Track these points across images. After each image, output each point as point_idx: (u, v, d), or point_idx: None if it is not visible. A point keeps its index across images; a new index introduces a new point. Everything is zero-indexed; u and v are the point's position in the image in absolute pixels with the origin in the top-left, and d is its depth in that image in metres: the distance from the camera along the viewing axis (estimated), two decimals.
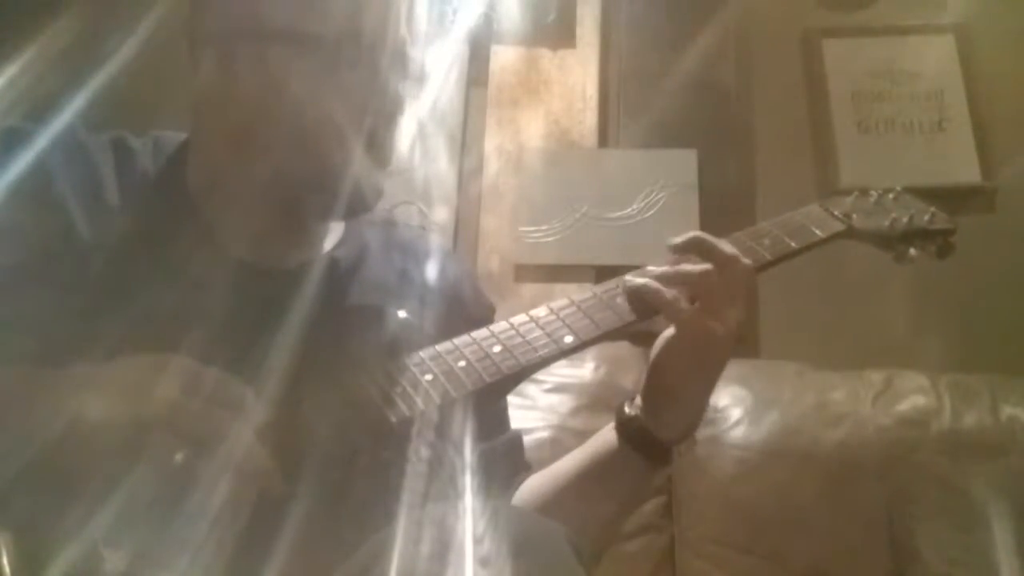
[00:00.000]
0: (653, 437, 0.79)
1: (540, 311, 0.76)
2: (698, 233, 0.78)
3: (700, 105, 1.87)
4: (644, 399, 0.80)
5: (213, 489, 0.57)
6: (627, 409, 0.81)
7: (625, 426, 0.81)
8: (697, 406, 0.81)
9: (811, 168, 1.87)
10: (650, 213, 1.81)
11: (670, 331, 0.78)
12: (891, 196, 0.95)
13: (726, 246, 0.77)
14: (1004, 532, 1.28)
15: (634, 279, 0.77)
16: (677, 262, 0.78)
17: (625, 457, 0.81)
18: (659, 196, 1.82)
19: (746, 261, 0.78)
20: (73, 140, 0.77)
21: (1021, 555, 1.26)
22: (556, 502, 0.83)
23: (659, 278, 0.76)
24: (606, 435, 0.83)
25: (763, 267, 0.83)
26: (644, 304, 0.77)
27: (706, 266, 0.76)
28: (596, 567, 0.85)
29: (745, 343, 1.75)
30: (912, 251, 0.92)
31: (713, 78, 1.89)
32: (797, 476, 1.39)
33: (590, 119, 1.90)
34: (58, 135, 0.76)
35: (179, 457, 0.57)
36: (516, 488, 0.87)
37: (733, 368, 1.57)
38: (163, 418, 0.58)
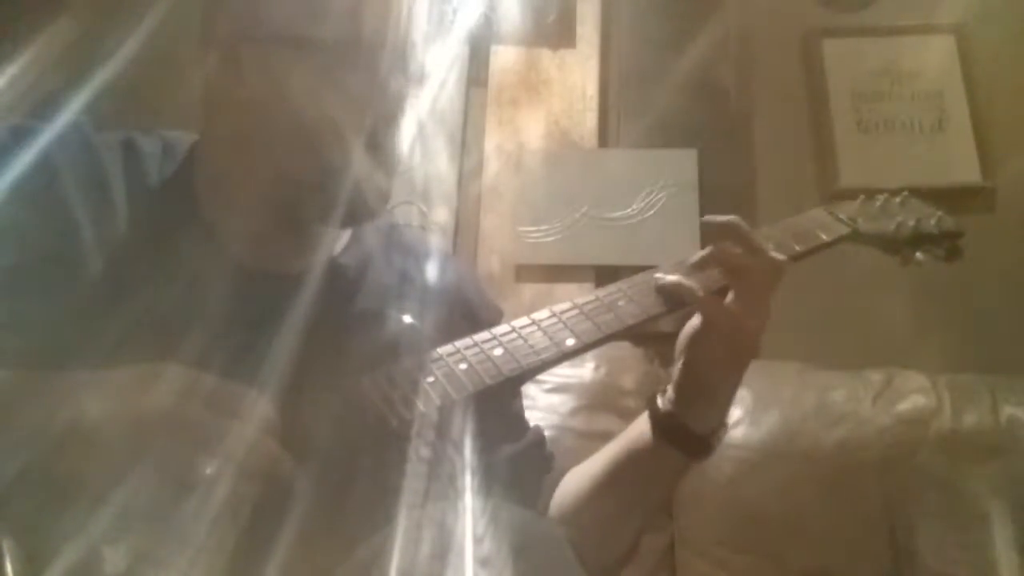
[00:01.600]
0: (691, 432, 0.80)
1: (542, 314, 0.76)
2: (734, 218, 0.78)
3: (700, 105, 1.87)
4: (678, 395, 0.80)
5: (215, 488, 0.57)
6: (660, 405, 0.81)
7: (661, 422, 0.81)
8: (730, 396, 0.82)
9: (811, 168, 1.87)
10: (650, 213, 1.81)
11: (697, 323, 0.79)
12: (897, 200, 0.95)
13: (758, 236, 0.78)
14: (1004, 532, 1.28)
15: (665, 276, 0.78)
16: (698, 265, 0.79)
17: (662, 453, 0.81)
18: (659, 196, 1.82)
19: (777, 256, 0.79)
20: (81, 139, 0.77)
21: (1021, 555, 1.26)
22: (594, 502, 0.84)
23: (697, 263, 0.78)
24: (639, 432, 0.84)
25: None
26: (675, 297, 0.77)
27: (736, 251, 0.77)
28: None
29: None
30: (918, 255, 0.92)
31: (713, 78, 1.89)
32: (797, 476, 1.39)
33: (590, 119, 1.90)
34: (66, 134, 0.76)
35: (210, 470, 0.57)
36: (551, 483, 0.88)
37: None
38: (166, 417, 0.58)
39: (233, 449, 0.58)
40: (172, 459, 0.57)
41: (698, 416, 0.80)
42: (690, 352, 0.79)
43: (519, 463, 0.87)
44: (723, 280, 0.79)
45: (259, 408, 0.61)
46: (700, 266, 0.80)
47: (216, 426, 0.58)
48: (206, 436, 0.58)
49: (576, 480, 0.88)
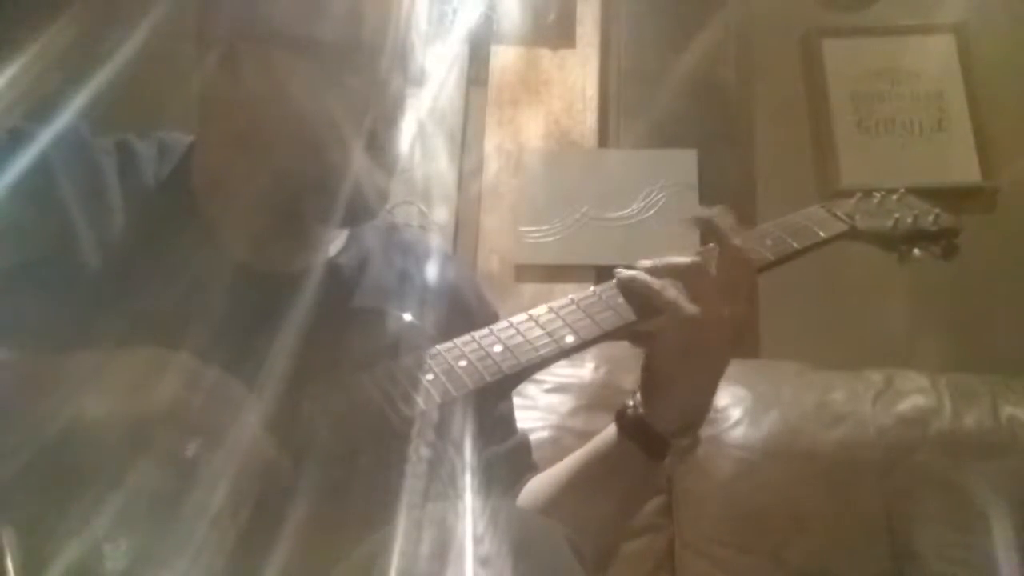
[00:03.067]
0: (650, 429, 0.79)
1: (541, 310, 0.76)
2: (718, 217, 0.78)
3: (700, 105, 1.87)
4: (641, 390, 0.81)
5: (217, 484, 0.57)
6: (629, 401, 0.82)
7: (623, 418, 0.81)
8: (694, 400, 0.80)
9: (811, 168, 1.87)
10: (650, 213, 1.81)
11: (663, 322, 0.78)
12: (894, 197, 0.95)
13: (735, 238, 0.77)
14: (1004, 532, 1.28)
15: (624, 271, 0.78)
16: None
17: (624, 450, 0.81)
18: (659, 196, 1.82)
19: (749, 256, 0.78)
20: (77, 142, 0.77)
21: (1021, 555, 1.26)
22: (556, 500, 0.83)
23: (649, 270, 0.77)
24: (608, 431, 0.84)
25: (765, 267, 0.83)
26: (636, 296, 0.77)
27: (694, 259, 0.76)
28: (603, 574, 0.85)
29: (745, 343, 1.75)
30: (916, 251, 0.92)
31: (713, 78, 1.89)
32: (797, 476, 1.39)
33: (590, 119, 1.90)
34: (62, 137, 0.76)
35: (190, 450, 0.57)
36: (520, 489, 0.88)
37: (733, 368, 1.57)
38: (166, 414, 0.58)
39: (232, 444, 0.58)
40: (168, 445, 0.57)
41: (657, 413, 0.79)
42: (651, 348, 0.79)
43: (493, 466, 0.87)
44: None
45: (259, 407, 0.61)
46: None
47: (216, 420, 0.59)
48: (204, 427, 0.58)
49: (541, 483, 0.87)
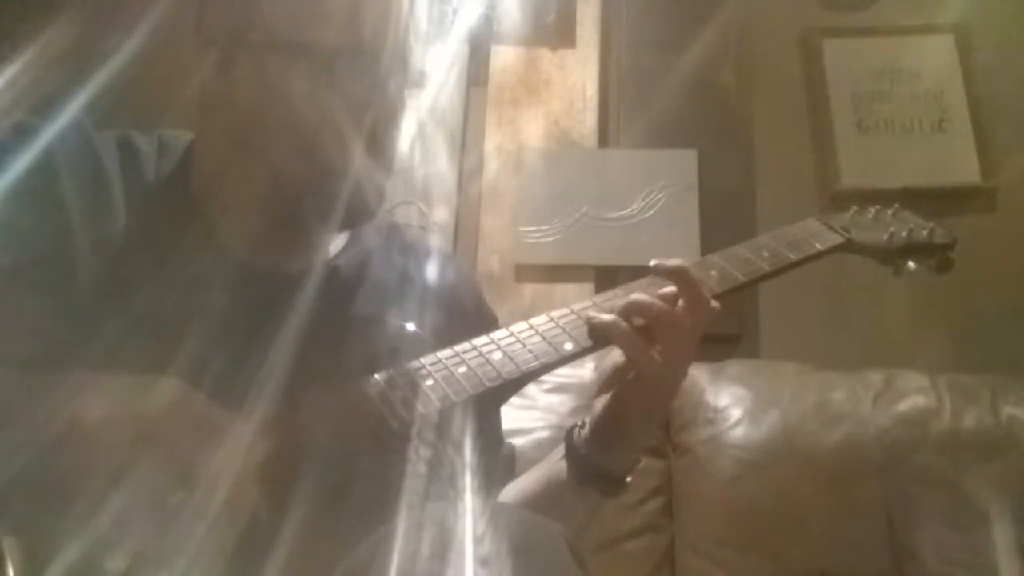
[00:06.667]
0: (608, 472, 0.79)
1: (540, 319, 0.77)
2: (683, 265, 0.76)
3: (700, 105, 1.87)
4: (596, 435, 0.80)
5: (212, 495, 0.57)
6: (575, 443, 0.81)
7: (577, 462, 0.80)
8: (645, 439, 0.83)
9: (811, 168, 1.87)
10: (650, 213, 1.81)
11: (620, 360, 0.78)
12: (889, 212, 0.97)
13: (704, 288, 0.76)
14: (1004, 532, 1.28)
15: (597, 315, 0.75)
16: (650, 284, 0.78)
17: (576, 491, 0.80)
18: (659, 196, 1.82)
19: (715, 304, 0.77)
20: (81, 138, 0.77)
21: (1021, 555, 1.26)
22: None
23: (622, 311, 0.75)
24: (555, 468, 0.83)
25: (762, 279, 0.83)
26: (607, 340, 0.76)
27: (665, 304, 0.75)
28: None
29: (745, 343, 1.75)
30: (911, 264, 0.92)
31: (713, 78, 1.89)
32: (797, 476, 1.39)
33: (590, 119, 1.90)
34: (67, 132, 0.76)
35: (175, 499, 0.57)
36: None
37: (733, 368, 1.59)
38: (154, 439, 0.58)
39: (213, 486, 0.58)
40: (154, 481, 0.57)
41: (616, 458, 0.80)
42: (616, 398, 0.78)
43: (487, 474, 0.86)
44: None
45: (241, 436, 0.62)
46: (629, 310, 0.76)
47: (199, 461, 0.59)
48: (188, 466, 0.58)
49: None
